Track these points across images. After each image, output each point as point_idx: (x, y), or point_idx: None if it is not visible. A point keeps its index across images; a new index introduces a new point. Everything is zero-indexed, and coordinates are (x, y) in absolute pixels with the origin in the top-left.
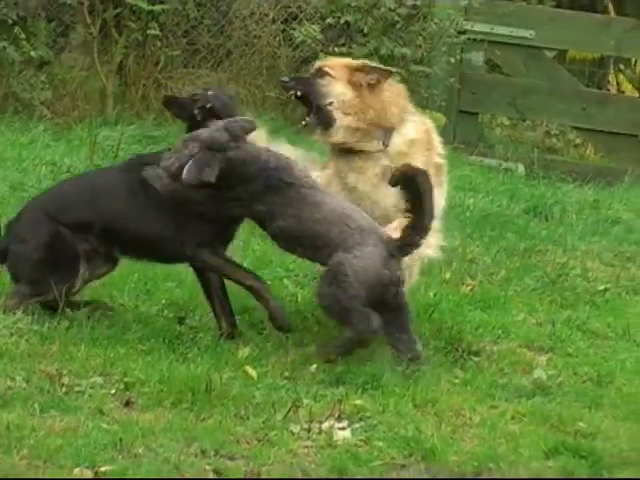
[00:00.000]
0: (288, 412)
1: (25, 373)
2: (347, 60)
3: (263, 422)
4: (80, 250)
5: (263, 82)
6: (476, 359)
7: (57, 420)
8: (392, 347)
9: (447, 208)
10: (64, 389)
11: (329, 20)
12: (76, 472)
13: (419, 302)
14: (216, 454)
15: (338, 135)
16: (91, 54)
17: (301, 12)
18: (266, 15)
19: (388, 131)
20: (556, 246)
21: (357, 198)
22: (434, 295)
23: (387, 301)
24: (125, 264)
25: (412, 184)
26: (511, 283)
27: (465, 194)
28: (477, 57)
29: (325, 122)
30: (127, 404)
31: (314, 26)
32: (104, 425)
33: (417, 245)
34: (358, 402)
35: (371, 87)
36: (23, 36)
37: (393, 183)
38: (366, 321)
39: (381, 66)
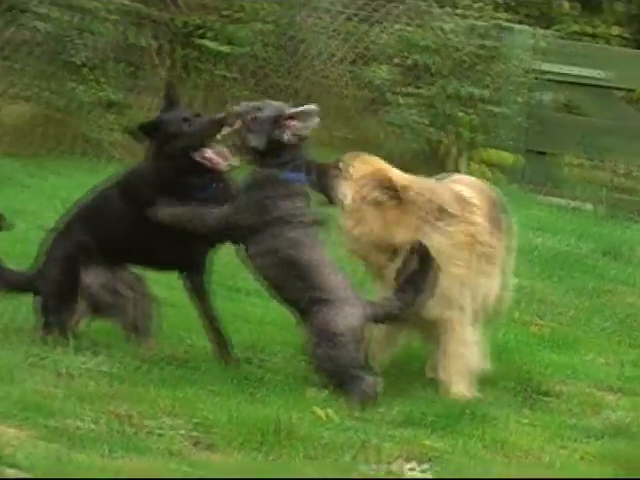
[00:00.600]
0: (357, 453)
1: (94, 414)
2: (372, 162)
3: (332, 462)
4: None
5: (331, 122)
6: (545, 399)
7: (127, 461)
8: None
9: (516, 247)
10: (133, 430)
11: (397, 60)
12: None
13: (488, 342)
14: None
15: (346, 242)
16: (160, 95)
17: (369, 52)
18: (334, 55)
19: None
20: (625, 286)
21: None
22: (503, 335)
23: None
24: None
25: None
26: (580, 323)
27: (534, 233)
28: (546, 97)
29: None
30: (196, 445)
31: (382, 66)
32: (174, 466)
33: (394, 317)
34: (427, 442)
35: (377, 204)
36: (92, 77)
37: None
38: (364, 384)
39: (403, 187)
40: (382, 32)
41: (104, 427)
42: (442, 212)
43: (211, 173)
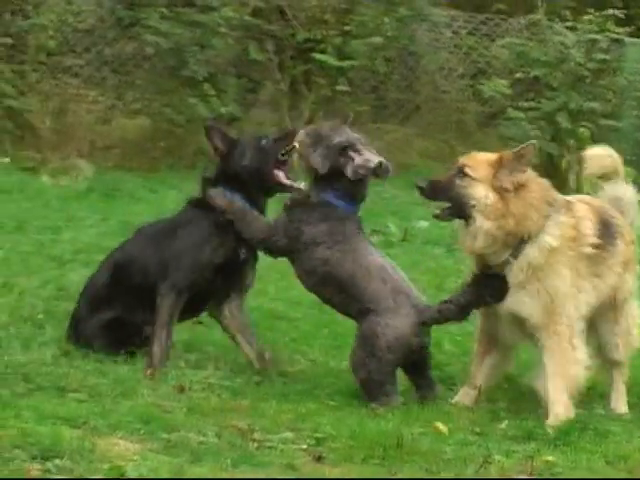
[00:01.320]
0: (479, 468)
1: (217, 428)
2: (487, 156)
3: (454, 478)
4: None
5: (451, 137)
6: None
7: (248, 475)
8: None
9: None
10: (255, 444)
11: (518, 75)
12: None
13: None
14: None
15: (478, 242)
16: (280, 110)
17: (490, 67)
18: (454, 70)
19: (522, 241)
20: None
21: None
22: None
23: (412, 359)
24: (314, 321)
25: (487, 284)
26: None
27: None
28: None
29: (462, 218)
30: (318, 459)
31: (502, 81)
32: None
33: (447, 321)
34: (549, 458)
35: (515, 189)
36: (213, 93)
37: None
38: (386, 399)
39: (520, 149)
40: (503, 47)
41: (226, 441)
42: (560, 204)
43: (283, 191)
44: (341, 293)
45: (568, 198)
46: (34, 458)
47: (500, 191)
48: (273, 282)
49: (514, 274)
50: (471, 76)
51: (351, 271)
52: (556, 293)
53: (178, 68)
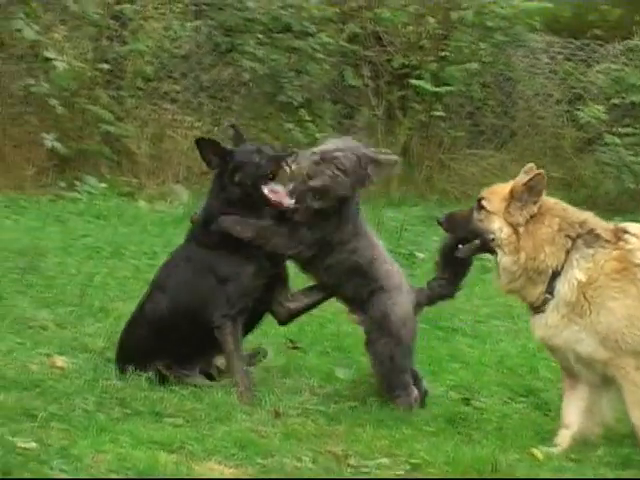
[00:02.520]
0: None
1: (312, 453)
2: (503, 188)
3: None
4: None
5: (547, 163)
6: None
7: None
8: None
9: None
10: (351, 470)
11: (614, 100)
12: None
13: None
14: None
15: (502, 279)
16: (376, 135)
17: (586, 92)
18: (550, 96)
19: (553, 276)
20: None
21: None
22: None
23: None
24: None
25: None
26: None
27: None
28: None
29: (486, 252)
30: None
31: (599, 106)
32: None
33: (444, 298)
34: None
35: (526, 223)
36: (309, 118)
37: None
38: (408, 396)
39: (530, 179)
40: (599, 72)
41: (321, 467)
42: (593, 237)
43: (271, 208)
44: (361, 277)
45: (623, 227)
46: None
47: (513, 225)
48: None
49: (553, 311)
50: (567, 102)
51: (371, 256)
52: (609, 328)
53: (274, 94)
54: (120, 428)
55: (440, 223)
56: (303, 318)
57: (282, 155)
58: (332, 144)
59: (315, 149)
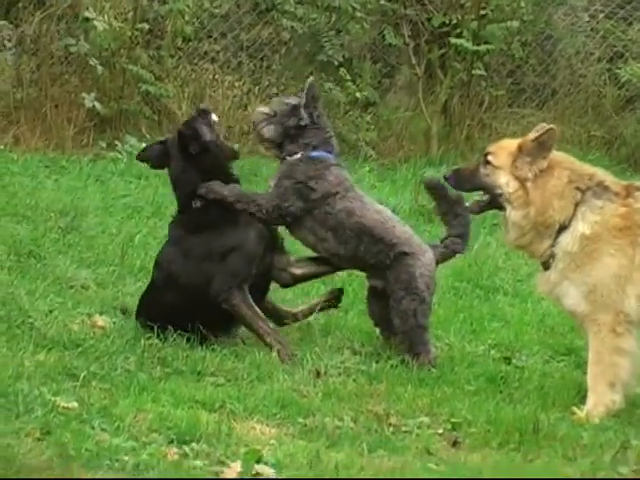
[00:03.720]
0: (616, 453)
1: (353, 413)
2: (511, 143)
3: (591, 463)
4: None
5: (588, 121)
6: None
7: (385, 460)
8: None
9: None
10: (391, 429)
11: None
12: None
13: None
14: None
15: (510, 234)
16: (416, 95)
17: (627, 50)
18: (591, 54)
19: (560, 230)
20: None
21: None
22: None
23: None
24: (450, 305)
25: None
26: None
27: None
28: None
29: (496, 208)
30: (454, 444)
31: None
32: (432, 465)
33: (456, 255)
34: None
35: (535, 177)
36: (348, 77)
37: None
38: (428, 353)
39: (540, 134)
40: None
41: (362, 426)
42: (602, 189)
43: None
44: (377, 243)
45: (637, 185)
46: (171, 442)
47: (521, 179)
48: None
49: (556, 264)
50: (608, 60)
51: (376, 217)
52: (598, 282)
53: (314, 53)
54: (161, 387)
55: (446, 178)
56: (344, 277)
57: (201, 107)
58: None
59: None
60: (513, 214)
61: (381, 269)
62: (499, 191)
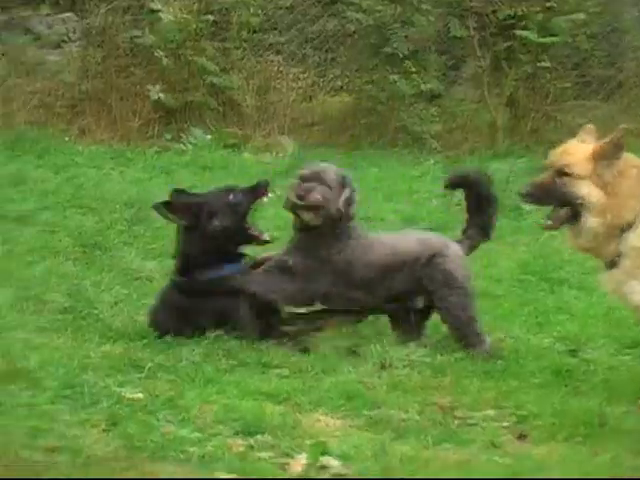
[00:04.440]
0: None
1: (418, 405)
2: (583, 150)
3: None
4: None
5: None
6: None
7: (450, 453)
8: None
9: None
10: (457, 422)
11: None
12: None
13: None
14: None
15: (582, 239)
16: (481, 87)
17: None
18: None
19: (623, 230)
20: None
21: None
22: None
23: None
24: (516, 298)
25: (473, 187)
26: None
27: None
28: None
29: (571, 221)
30: (520, 437)
31: None
32: (497, 458)
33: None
34: None
35: (614, 180)
36: (414, 70)
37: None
38: (483, 342)
39: (614, 136)
40: None
41: (428, 418)
42: None
43: (254, 242)
44: (403, 269)
45: None
46: (237, 433)
47: (602, 185)
48: (475, 260)
49: (622, 262)
50: None
51: (388, 254)
52: None
53: (380, 45)
54: (227, 379)
55: (523, 196)
56: None
57: (259, 185)
58: (307, 168)
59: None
60: (591, 221)
61: (418, 283)
62: (580, 201)
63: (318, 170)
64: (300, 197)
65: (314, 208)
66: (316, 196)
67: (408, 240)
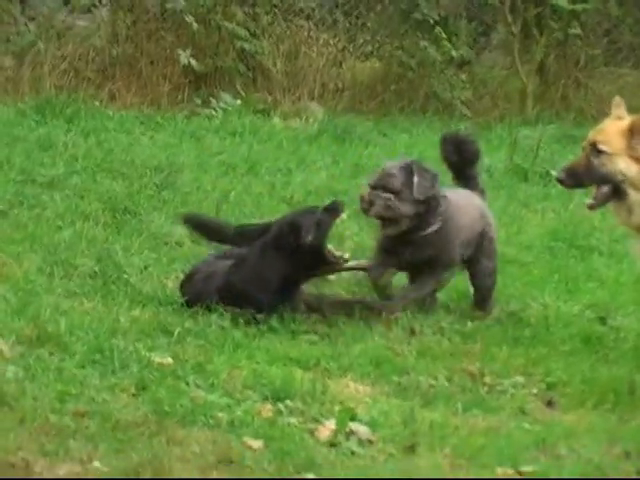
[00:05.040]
0: None
1: (447, 372)
2: (617, 126)
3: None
4: None
5: None
6: None
7: (479, 419)
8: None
9: None
10: (486, 388)
11: None
12: (499, 472)
13: None
14: None
15: (636, 215)
16: (511, 53)
17: None
18: None
19: None
20: None
21: None
22: None
23: None
24: (545, 265)
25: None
26: None
27: None
28: None
29: (617, 199)
30: (549, 404)
31: None
32: (526, 425)
33: None
34: None
35: None
36: (444, 36)
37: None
38: (492, 309)
39: None
40: None
41: (456, 385)
42: None
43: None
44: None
45: None
46: (266, 399)
47: (638, 158)
48: (504, 227)
49: None
50: None
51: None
52: None
53: (410, 11)
54: (256, 344)
55: (561, 181)
56: None
57: (335, 205)
58: (379, 170)
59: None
60: (637, 196)
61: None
62: (621, 177)
63: (382, 175)
64: (365, 210)
65: (383, 219)
66: (377, 210)
67: (475, 205)
